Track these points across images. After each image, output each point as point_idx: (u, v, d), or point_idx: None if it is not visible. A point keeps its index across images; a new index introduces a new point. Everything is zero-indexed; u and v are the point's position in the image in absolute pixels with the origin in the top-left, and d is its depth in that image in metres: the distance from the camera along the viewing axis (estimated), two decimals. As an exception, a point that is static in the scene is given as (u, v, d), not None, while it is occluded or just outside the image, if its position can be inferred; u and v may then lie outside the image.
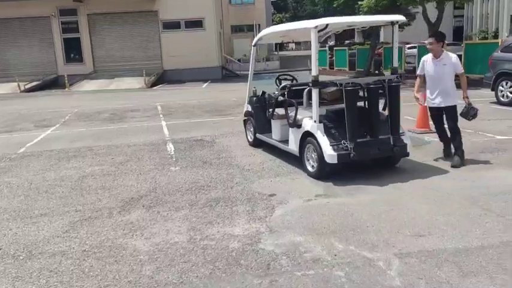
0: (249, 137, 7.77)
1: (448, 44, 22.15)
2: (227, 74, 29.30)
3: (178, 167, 6.53)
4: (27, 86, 22.97)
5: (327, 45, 73.49)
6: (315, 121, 5.46)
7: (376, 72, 24.51)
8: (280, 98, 6.49)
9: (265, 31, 7.34)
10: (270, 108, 6.66)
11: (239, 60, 34.21)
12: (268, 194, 5.15)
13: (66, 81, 23.38)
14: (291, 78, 7.66)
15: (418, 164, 6.16)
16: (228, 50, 34.33)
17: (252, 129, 7.55)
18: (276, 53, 49.69)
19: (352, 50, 27.53)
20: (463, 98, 5.99)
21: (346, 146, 5.27)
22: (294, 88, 6.45)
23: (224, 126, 9.76)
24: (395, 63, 6.03)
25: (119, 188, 5.62)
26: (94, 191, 5.53)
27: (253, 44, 7.60)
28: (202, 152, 7.47)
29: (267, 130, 6.92)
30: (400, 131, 5.63)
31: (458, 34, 38.53)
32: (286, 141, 6.33)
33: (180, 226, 4.30)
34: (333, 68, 28.40)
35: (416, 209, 4.49)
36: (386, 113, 5.67)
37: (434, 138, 7.60)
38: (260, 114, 7.12)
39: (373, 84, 5.43)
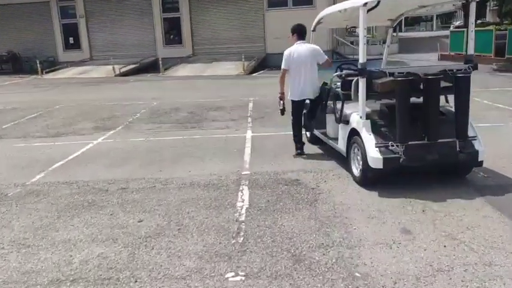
0: (307, 133, 6.88)
1: None
2: (338, 58, 25.29)
3: (242, 271, 3.20)
4: (122, 70, 21.53)
5: (452, 26, 64.84)
6: (360, 117, 4.75)
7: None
8: (337, 89, 5.52)
9: (322, 13, 6.36)
10: (324, 100, 5.98)
11: (352, 42, 29.82)
12: None
13: (161, 65, 21.46)
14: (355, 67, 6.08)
15: None
16: (340, 30, 30.04)
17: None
18: (394, 34, 43.93)
19: (502, 30, 21.62)
20: None
21: (396, 149, 4.45)
22: (349, 78, 5.20)
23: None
24: (470, 51, 4.86)
25: None
26: None
27: (312, 28, 6.60)
28: (295, 218, 4.07)
29: (324, 126, 6.12)
30: (472, 134, 4.69)
31: None
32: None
33: None
34: (472, 54, 22.70)
35: None
36: (452, 111, 4.74)
37: None
38: (317, 107, 6.23)
39: (433, 75, 4.45)
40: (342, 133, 5.32)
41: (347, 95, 5.17)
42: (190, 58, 24.21)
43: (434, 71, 4.56)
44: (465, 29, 25.10)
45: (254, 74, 20.00)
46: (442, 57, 24.64)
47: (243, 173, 5.54)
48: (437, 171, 5.05)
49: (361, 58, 4.66)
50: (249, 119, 9.26)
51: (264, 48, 24.05)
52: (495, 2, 43.72)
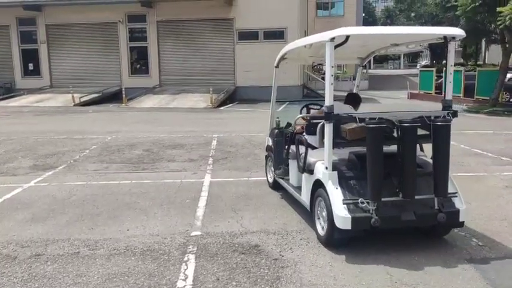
0: (269, 177, 6.37)
1: None
2: (308, 93, 24.97)
3: None
4: (82, 99, 20.42)
5: (419, 65, 66.89)
6: (326, 167, 4.08)
7: (504, 100, 18.80)
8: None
9: (286, 48, 5.75)
10: (287, 144, 5.41)
11: (323, 78, 29.73)
12: None
13: (124, 96, 20.42)
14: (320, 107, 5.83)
15: None
16: (310, 66, 29.93)
17: (272, 168, 6.09)
18: (364, 71, 44.53)
19: (470, 71, 21.82)
20: None
21: (366, 207, 3.80)
22: (315, 121, 4.65)
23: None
24: (448, 95, 4.28)
25: None
26: None
27: (275, 64, 6.24)
28: (250, 311, 3.11)
29: (287, 171, 5.47)
30: (452, 190, 4.03)
31: None
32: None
33: None
34: (441, 93, 22.67)
35: None
36: (430, 162, 4.10)
37: None
38: (281, 151, 5.66)
39: (409, 122, 3.86)
40: (306, 184, 4.61)
41: (312, 140, 4.64)
42: (157, 89, 23.35)
43: (410, 118, 3.95)
44: (433, 69, 25.45)
45: (222, 108, 19.25)
46: (412, 96, 24.69)
47: (192, 234, 4.55)
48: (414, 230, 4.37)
49: (328, 100, 3.96)
50: (210, 160, 8.34)
51: (233, 81, 23.47)
52: (459, 44, 45.32)
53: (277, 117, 6.11)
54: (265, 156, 6.55)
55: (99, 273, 3.68)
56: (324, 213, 4.15)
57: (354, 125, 4.08)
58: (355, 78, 33.00)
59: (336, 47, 3.97)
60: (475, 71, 21.14)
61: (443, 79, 22.44)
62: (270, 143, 6.18)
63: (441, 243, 4.25)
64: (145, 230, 4.68)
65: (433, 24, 44.90)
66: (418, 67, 55.00)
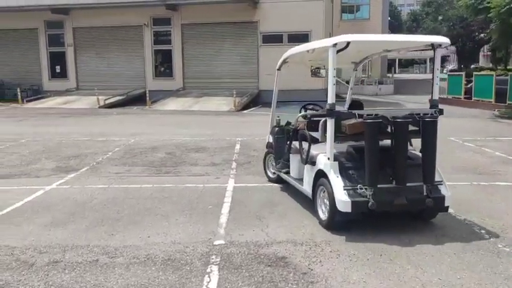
0: (269, 173, 6.81)
1: None
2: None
3: None
4: (107, 101, 20.52)
5: (445, 69, 65.55)
6: (328, 158, 4.58)
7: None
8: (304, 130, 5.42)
9: (288, 52, 6.30)
10: (288, 140, 5.85)
11: (347, 82, 29.28)
12: None
13: (148, 99, 20.47)
14: (319, 107, 6.51)
15: None
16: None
17: (273, 164, 6.54)
18: (389, 75, 43.75)
19: (502, 76, 21.00)
20: None
21: (364, 192, 4.30)
22: (315, 118, 5.28)
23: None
24: (435, 96, 4.86)
25: None
26: None
27: (277, 67, 6.76)
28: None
29: (288, 166, 5.90)
30: (438, 179, 4.59)
31: None
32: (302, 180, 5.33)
33: None
34: (470, 98, 21.96)
35: None
36: (419, 155, 4.63)
37: None
38: (282, 146, 6.12)
39: (401, 118, 4.46)
40: (308, 174, 5.10)
41: (314, 135, 5.10)
42: (180, 91, 23.34)
43: (402, 115, 4.54)
44: (463, 73, 24.69)
45: (245, 111, 19.06)
46: (440, 101, 23.91)
47: (215, 243, 4.33)
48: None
49: (330, 99, 4.47)
50: (233, 164, 8.12)
51: (257, 84, 23.26)
52: (488, 48, 44.01)
53: (278, 116, 6.50)
54: (265, 152, 6.94)
55: (117, 284, 3.49)
56: (326, 200, 4.61)
57: (353, 121, 4.62)
58: (381, 83, 32.45)
59: (337, 52, 4.41)
60: (506, 76, 20.30)
61: (472, 83, 21.80)
62: (271, 140, 6.59)
63: (482, 259, 3.90)
64: (167, 238, 4.48)
65: (461, 27, 43.79)
66: (444, 71, 53.77)
